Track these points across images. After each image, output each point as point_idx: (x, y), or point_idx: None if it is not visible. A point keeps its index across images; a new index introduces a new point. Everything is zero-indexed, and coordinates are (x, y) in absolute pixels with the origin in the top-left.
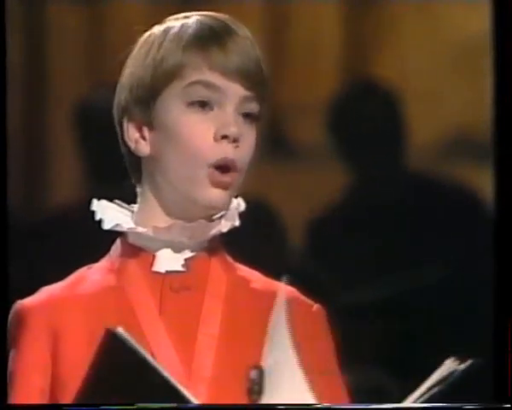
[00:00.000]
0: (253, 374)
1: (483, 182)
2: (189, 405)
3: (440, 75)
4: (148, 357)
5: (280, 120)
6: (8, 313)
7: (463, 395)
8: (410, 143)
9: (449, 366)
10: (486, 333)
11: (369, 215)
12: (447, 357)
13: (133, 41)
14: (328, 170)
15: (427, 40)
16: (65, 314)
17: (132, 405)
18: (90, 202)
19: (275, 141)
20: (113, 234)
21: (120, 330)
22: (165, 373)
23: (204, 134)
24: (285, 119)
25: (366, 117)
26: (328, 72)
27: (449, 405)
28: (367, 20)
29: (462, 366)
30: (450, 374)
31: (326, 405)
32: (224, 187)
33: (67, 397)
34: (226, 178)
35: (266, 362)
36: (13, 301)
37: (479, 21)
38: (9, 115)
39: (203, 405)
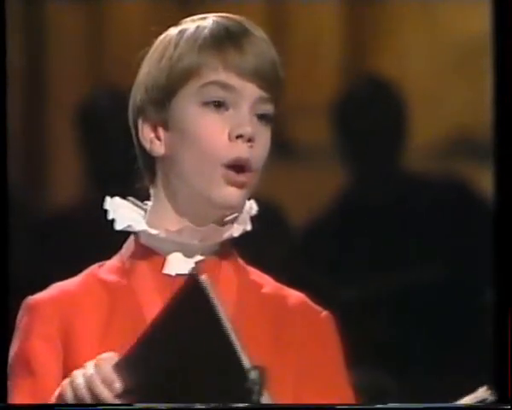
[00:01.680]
0: (253, 375)
1: (483, 182)
2: (188, 405)
3: (441, 76)
4: (222, 313)
5: (281, 120)
6: (8, 314)
7: (463, 395)
8: (410, 143)
9: (482, 394)
10: (486, 333)
11: (369, 215)
12: (447, 357)
13: (136, 42)
14: (329, 170)
15: (427, 41)
16: (76, 311)
17: (131, 405)
18: (102, 200)
19: (277, 142)
20: (125, 232)
21: (204, 277)
22: (234, 336)
23: (219, 134)
24: (286, 119)
25: (366, 117)
26: (329, 72)
27: (449, 405)
28: (367, 20)
29: (493, 398)
30: (481, 402)
31: (326, 405)
32: (239, 186)
33: None
34: (241, 177)
35: None
36: (14, 301)
37: (479, 22)
38: (10, 116)
39: (204, 405)
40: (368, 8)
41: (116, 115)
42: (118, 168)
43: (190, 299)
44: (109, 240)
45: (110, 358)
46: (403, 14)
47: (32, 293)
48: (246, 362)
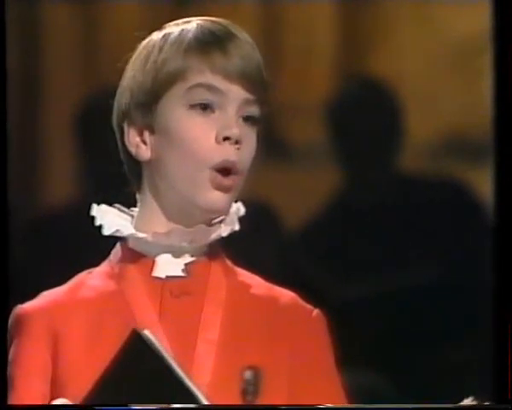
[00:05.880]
0: (248, 375)
1: (481, 182)
2: (188, 405)
3: (437, 76)
4: (173, 363)
5: (275, 121)
6: (8, 315)
7: (463, 396)
8: (406, 143)
9: (468, 405)
10: (486, 334)
11: (367, 216)
12: (447, 359)
13: (131, 43)
14: (324, 170)
15: (424, 40)
16: (65, 319)
17: (125, 405)
18: (89, 206)
19: (270, 143)
20: (113, 237)
21: (147, 332)
22: (188, 381)
23: (206, 136)
24: (280, 120)
25: (363, 118)
26: (324, 73)
27: (449, 405)
28: (363, 21)
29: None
30: None
31: (326, 405)
32: (226, 190)
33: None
34: (228, 181)
35: None
36: (13, 305)
37: (477, 21)
38: (9, 117)
39: (202, 405)
40: (363, 7)
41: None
42: (116, 172)
43: (136, 354)
44: (108, 243)
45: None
46: (398, 14)
47: (32, 298)
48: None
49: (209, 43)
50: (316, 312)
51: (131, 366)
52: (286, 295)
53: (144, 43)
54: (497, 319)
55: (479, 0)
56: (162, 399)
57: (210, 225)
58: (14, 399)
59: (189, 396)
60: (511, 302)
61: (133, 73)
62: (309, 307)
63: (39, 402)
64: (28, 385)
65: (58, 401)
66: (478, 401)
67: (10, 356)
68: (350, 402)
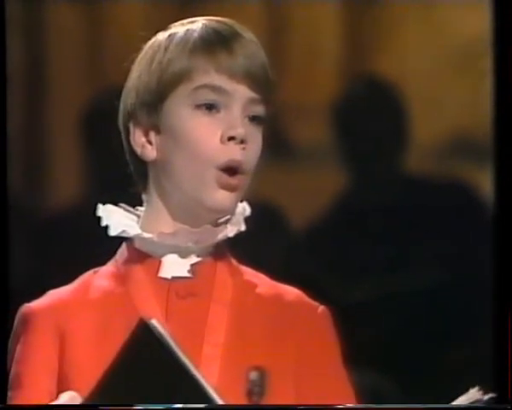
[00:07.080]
0: (253, 376)
1: (483, 183)
2: (188, 405)
3: (440, 77)
4: (179, 352)
5: (280, 121)
6: (8, 314)
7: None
8: (410, 145)
9: (473, 395)
10: (486, 334)
11: (371, 216)
12: (446, 359)
13: (136, 43)
14: (330, 171)
15: (427, 42)
16: (71, 318)
17: (131, 405)
18: (95, 206)
19: (275, 143)
20: (119, 237)
21: (154, 321)
22: (194, 370)
23: (211, 136)
24: (285, 120)
25: (368, 118)
26: (328, 73)
27: (449, 405)
28: (368, 22)
29: (486, 397)
30: (474, 403)
31: (326, 405)
32: (232, 189)
33: None
34: (234, 180)
35: None
36: (14, 304)
37: (479, 23)
38: (9, 116)
39: (202, 405)
40: (367, 8)
41: (116, 118)
42: (121, 172)
43: (143, 343)
44: (114, 243)
45: (72, 397)
46: (403, 16)
47: (33, 297)
48: (211, 393)
49: (214, 43)
50: (321, 308)
51: (138, 355)
52: (291, 292)
53: (150, 43)
54: (497, 319)
55: (481, 3)
56: (169, 388)
57: (216, 225)
58: (21, 397)
59: (195, 385)
60: (511, 303)
61: (139, 74)
62: (314, 303)
63: (45, 400)
64: (35, 383)
65: (66, 394)
66: (482, 391)
67: (17, 354)
68: (359, 402)
